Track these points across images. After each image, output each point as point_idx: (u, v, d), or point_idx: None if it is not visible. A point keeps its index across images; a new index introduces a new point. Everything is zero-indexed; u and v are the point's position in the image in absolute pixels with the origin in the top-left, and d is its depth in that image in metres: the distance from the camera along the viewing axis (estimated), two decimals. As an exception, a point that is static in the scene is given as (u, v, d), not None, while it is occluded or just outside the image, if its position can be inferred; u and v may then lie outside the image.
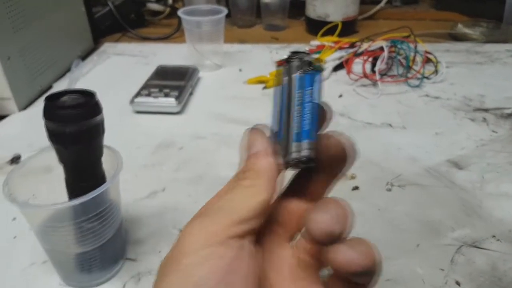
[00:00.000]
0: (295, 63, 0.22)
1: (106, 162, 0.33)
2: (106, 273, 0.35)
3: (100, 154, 0.32)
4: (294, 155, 0.22)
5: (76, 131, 0.29)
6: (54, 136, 0.29)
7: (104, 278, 0.35)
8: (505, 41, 0.87)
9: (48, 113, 0.29)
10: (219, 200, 0.21)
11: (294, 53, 0.23)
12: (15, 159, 0.50)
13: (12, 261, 0.37)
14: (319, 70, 0.22)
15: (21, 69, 0.62)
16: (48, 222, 0.31)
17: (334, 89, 0.68)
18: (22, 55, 0.62)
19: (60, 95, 0.30)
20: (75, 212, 0.30)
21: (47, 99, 0.29)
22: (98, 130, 0.31)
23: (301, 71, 0.22)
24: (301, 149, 0.22)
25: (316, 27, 0.91)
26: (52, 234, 0.31)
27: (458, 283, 0.34)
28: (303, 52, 0.23)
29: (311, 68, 0.22)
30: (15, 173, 0.32)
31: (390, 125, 0.57)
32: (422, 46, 0.74)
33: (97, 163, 0.32)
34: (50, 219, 0.31)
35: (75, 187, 0.32)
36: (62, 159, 0.31)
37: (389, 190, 0.45)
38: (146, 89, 0.63)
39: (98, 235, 0.32)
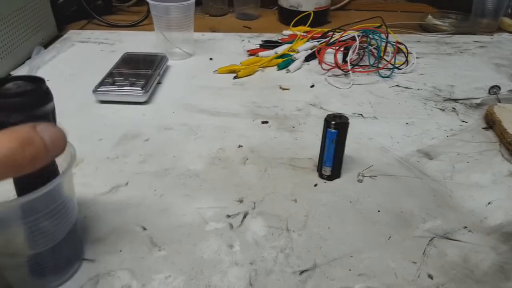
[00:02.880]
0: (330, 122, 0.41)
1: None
2: (60, 276, 0.32)
3: (51, 146, 0.30)
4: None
5: (22, 121, 0.26)
6: (-3, 127, 0.27)
7: (58, 282, 0.32)
8: (473, 32, 0.88)
9: (-11, 102, 0.26)
10: None
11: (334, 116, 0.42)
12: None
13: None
14: (338, 128, 0.41)
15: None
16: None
17: (306, 79, 0.66)
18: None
19: (4, 82, 0.27)
20: (23, 211, 0.28)
21: (-12, 86, 0.26)
22: (47, 120, 0.28)
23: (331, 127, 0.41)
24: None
25: (288, 16, 0.90)
26: (-3, 236, 0.28)
27: (430, 276, 0.33)
28: (340, 116, 0.42)
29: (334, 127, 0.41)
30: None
31: (362, 115, 0.56)
32: (394, 37, 0.74)
33: (48, 157, 0.30)
34: (-5, 219, 0.28)
35: (23, 184, 0.29)
36: (8, 152, 0.28)
37: (361, 181, 0.44)
38: (111, 77, 0.59)
39: (50, 235, 0.30)
